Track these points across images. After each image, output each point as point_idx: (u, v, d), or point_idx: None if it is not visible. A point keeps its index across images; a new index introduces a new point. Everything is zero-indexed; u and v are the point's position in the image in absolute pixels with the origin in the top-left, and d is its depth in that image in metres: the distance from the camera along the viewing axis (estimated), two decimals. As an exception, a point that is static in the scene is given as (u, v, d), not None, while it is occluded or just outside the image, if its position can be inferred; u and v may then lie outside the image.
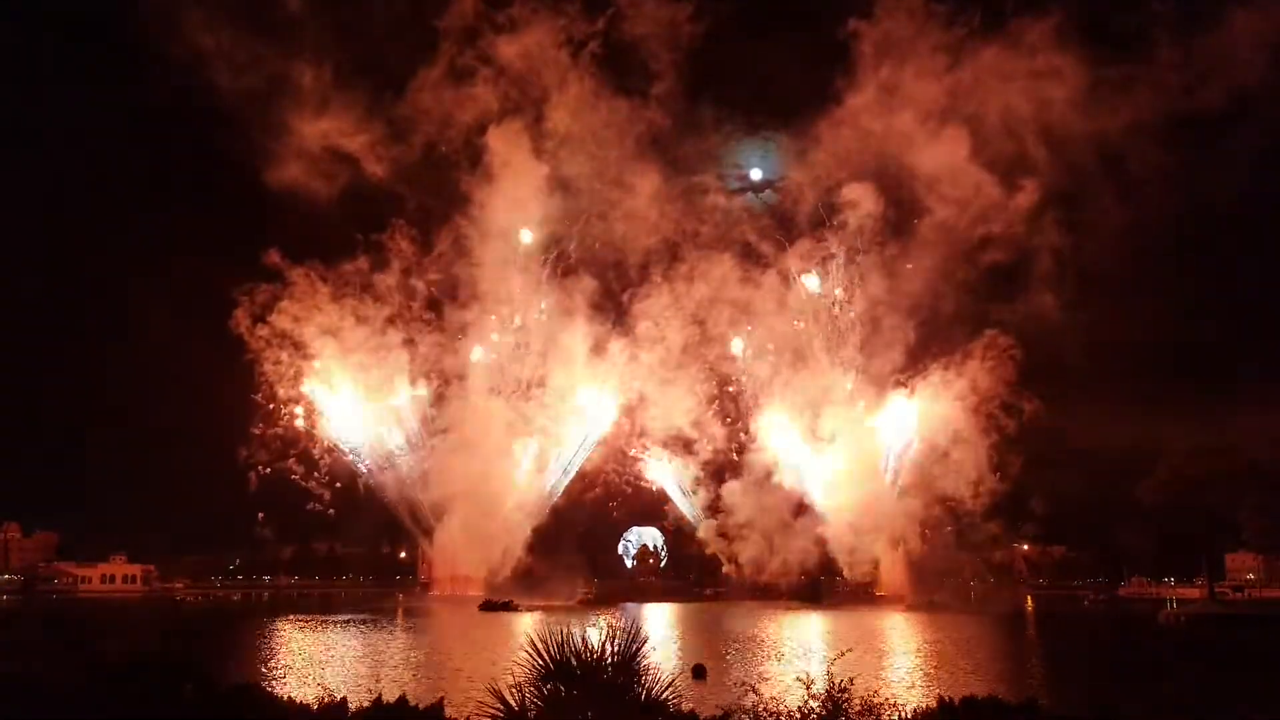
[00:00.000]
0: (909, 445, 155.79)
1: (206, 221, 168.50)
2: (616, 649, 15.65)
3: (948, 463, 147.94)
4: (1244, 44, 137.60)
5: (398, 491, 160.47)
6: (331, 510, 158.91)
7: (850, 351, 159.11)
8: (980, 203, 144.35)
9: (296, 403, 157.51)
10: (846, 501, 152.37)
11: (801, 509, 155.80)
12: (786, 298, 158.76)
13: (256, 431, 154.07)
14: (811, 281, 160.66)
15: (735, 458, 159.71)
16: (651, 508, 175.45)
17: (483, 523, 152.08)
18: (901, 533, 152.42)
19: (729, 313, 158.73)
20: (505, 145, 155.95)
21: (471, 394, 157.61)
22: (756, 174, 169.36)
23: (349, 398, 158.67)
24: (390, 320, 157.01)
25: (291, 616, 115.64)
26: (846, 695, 16.71)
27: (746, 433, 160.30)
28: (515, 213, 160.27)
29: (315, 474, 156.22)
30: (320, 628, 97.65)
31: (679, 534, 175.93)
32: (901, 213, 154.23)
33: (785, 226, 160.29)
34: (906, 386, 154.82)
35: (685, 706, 17.02)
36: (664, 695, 15.88)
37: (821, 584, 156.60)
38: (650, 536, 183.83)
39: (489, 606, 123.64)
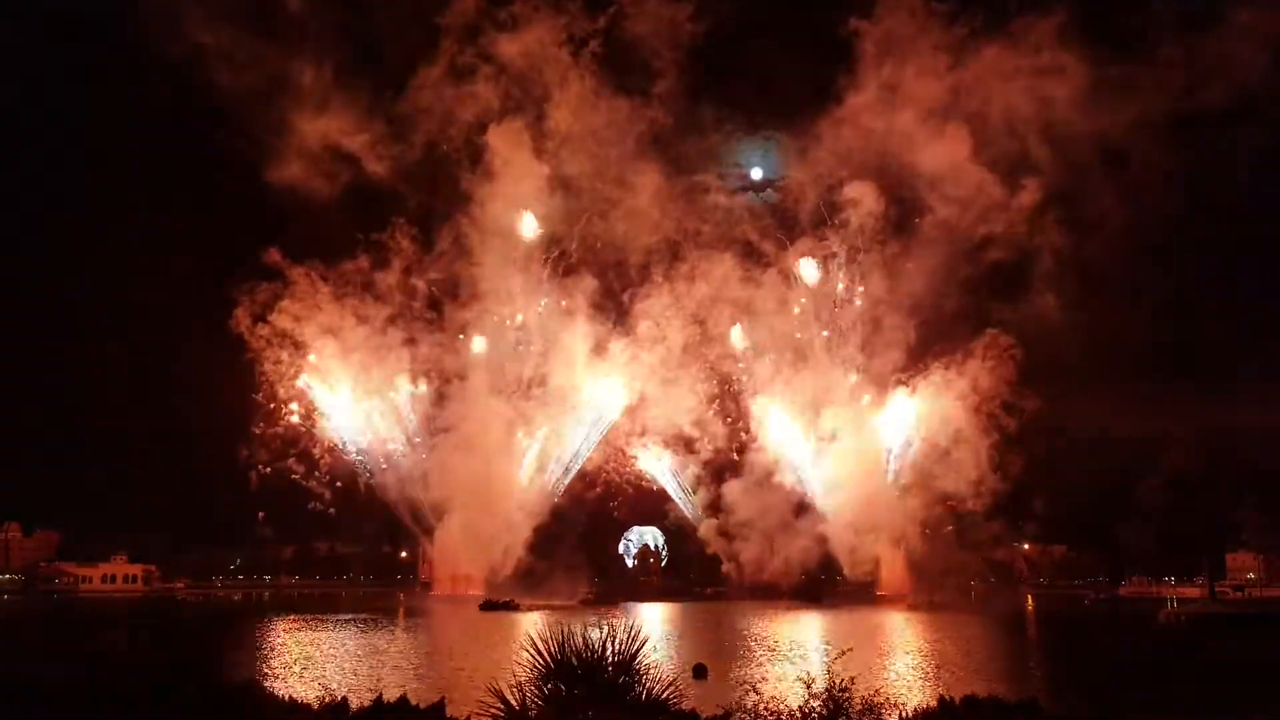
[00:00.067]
0: (910, 444, 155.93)
1: (207, 221, 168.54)
2: (617, 649, 15.68)
3: (948, 462, 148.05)
4: (1245, 43, 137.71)
5: (398, 491, 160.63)
6: (332, 510, 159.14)
7: (851, 350, 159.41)
8: (982, 202, 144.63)
9: (297, 401, 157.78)
10: (847, 501, 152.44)
11: (802, 508, 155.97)
12: (788, 297, 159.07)
13: (257, 431, 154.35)
14: (810, 269, 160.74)
15: (736, 457, 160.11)
16: (652, 507, 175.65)
17: (483, 522, 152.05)
18: (902, 532, 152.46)
19: (730, 312, 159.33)
20: (506, 144, 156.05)
21: (472, 393, 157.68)
22: (757, 173, 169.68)
23: (349, 397, 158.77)
24: (391, 319, 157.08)
25: (292, 616, 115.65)
26: (847, 695, 16.74)
27: (747, 432, 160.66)
28: (516, 212, 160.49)
29: (316, 473, 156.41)
30: (321, 627, 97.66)
31: (680, 533, 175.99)
32: (903, 212, 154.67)
33: (786, 226, 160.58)
34: (908, 385, 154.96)
35: (686, 706, 17.04)
36: (665, 695, 15.89)
37: (822, 583, 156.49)
38: (651, 536, 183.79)
39: (490, 606, 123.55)
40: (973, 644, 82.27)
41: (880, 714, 16.75)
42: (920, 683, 52.72)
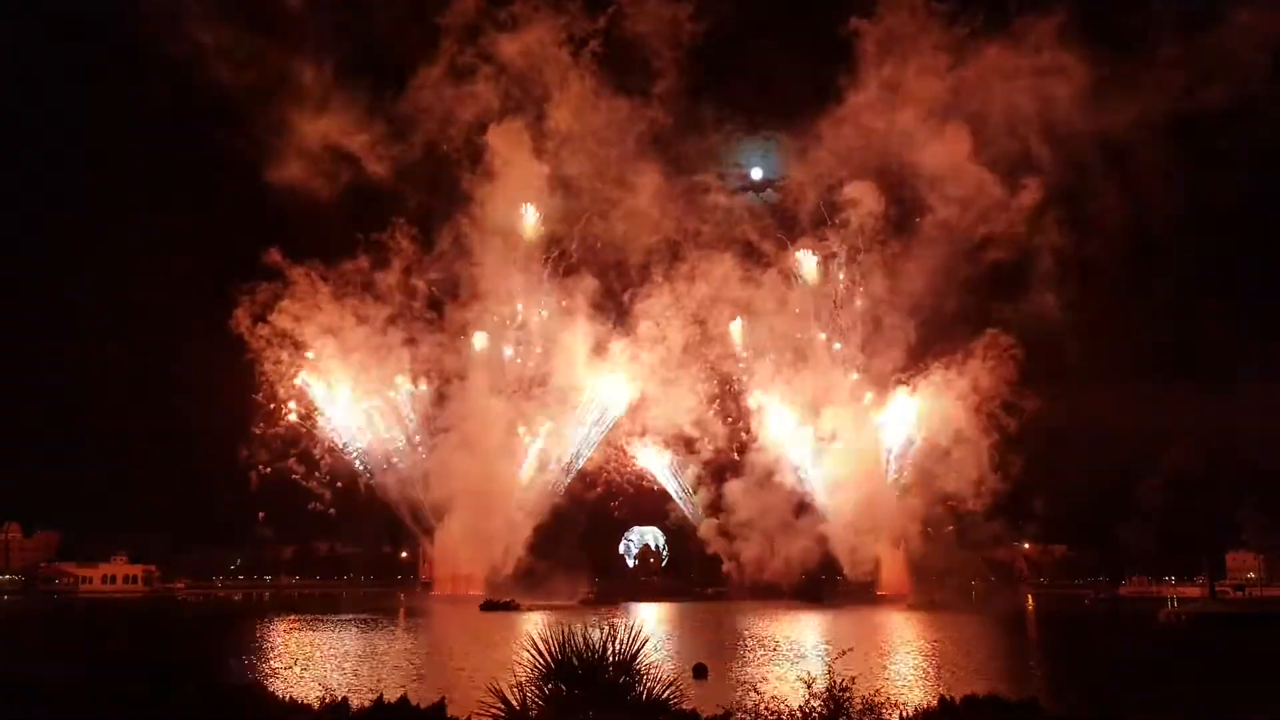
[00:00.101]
0: (910, 444, 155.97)
1: (207, 220, 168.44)
2: (618, 649, 15.68)
3: (949, 462, 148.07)
4: (1246, 43, 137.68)
5: (399, 491, 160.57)
6: (332, 510, 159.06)
7: (852, 350, 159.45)
8: (982, 201, 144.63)
9: (297, 402, 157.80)
10: (848, 500, 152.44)
11: (802, 508, 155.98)
12: (788, 297, 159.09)
13: (257, 431, 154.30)
14: (810, 267, 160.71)
15: (736, 457, 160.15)
16: (653, 507, 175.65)
17: (484, 522, 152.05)
18: (903, 532, 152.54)
19: (730, 312, 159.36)
20: (506, 144, 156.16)
21: (472, 393, 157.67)
22: (757, 173, 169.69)
23: (350, 397, 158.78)
24: (391, 319, 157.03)
25: (293, 616, 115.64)
26: (848, 694, 16.75)
27: (748, 432, 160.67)
28: (516, 211, 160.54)
29: (316, 474, 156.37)
30: (321, 628, 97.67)
31: (680, 533, 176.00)
32: (903, 211, 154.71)
33: (787, 225, 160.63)
34: (908, 385, 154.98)
35: (686, 706, 17.03)
36: (665, 695, 15.90)
37: (822, 583, 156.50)
38: (652, 536, 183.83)
39: (490, 606, 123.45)
40: (973, 644, 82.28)
41: (881, 713, 16.76)
42: (921, 682, 52.73)
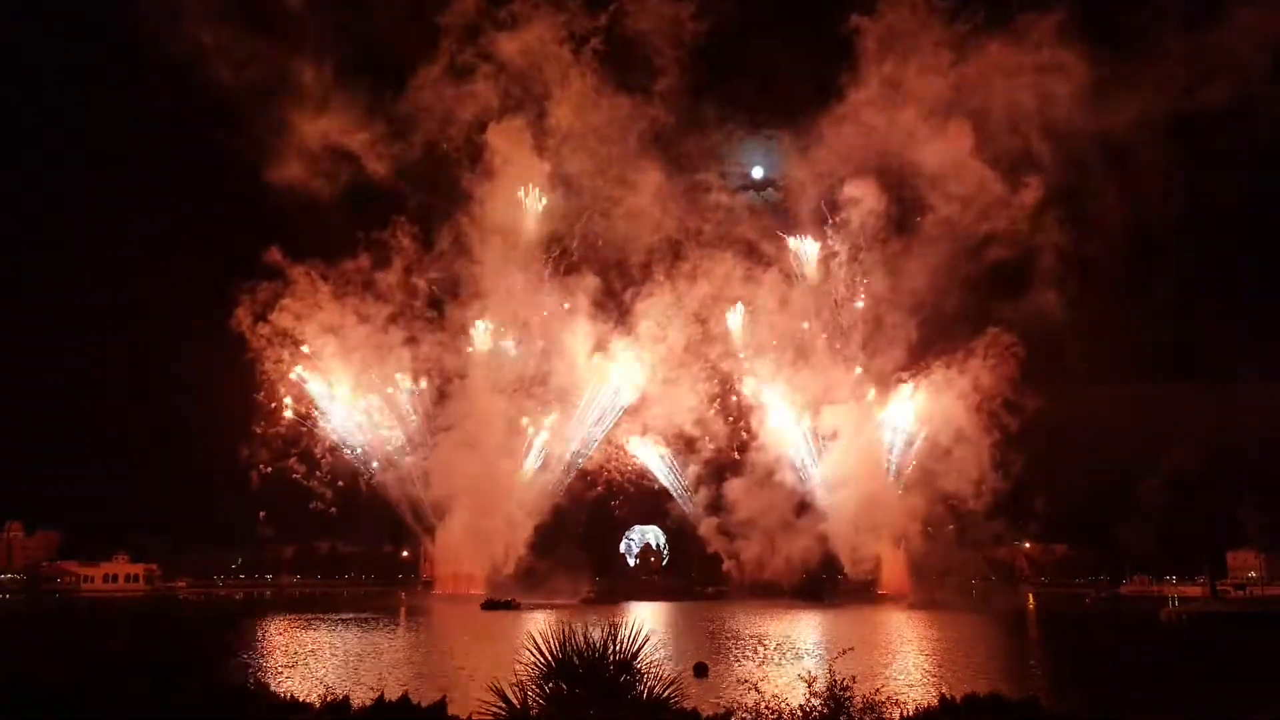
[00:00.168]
0: (911, 443, 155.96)
1: (207, 220, 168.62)
2: (618, 648, 15.68)
3: (950, 461, 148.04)
4: (1248, 41, 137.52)
5: (399, 490, 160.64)
6: (333, 509, 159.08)
7: (853, 349, 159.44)
8: (983, 200, 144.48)
9: (298, 401, 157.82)
10: (848, 499, 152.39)
11: (803, 507, 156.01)
12: (789, 296, 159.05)
13: (258, 430, 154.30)
14: (810, 265, 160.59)
15: (737, 456, 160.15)
16: (653, 506, 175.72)
17: (485, 521, 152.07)
18: (903, 531, 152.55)
19: (731, 306, 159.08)
20: (506, 142, 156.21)
21: (473, 392, 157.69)
22: (759, 172, 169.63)
23: (350, 396, 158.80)
24: (392, 318, 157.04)
25: (294, 615, 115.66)
26: (848, 693, 16.76)
27: (748, 431, 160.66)
28: (517, 210, 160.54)
29: (317, 473, 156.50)
30: (322, 627, 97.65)
31: (681, 532, 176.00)
32: (904, 209, 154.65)
33: (788, 224, 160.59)
34: (909, 384, 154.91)
35: (687, 705, 17.05)
36: (666, 694, 15.90)
37: (823, 582, 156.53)
38: (652, 535, 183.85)
39: (491, 605, 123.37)
40: (973, 643, 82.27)
41: (881, 712, 16.77)
42: (921, 681, 52.68)
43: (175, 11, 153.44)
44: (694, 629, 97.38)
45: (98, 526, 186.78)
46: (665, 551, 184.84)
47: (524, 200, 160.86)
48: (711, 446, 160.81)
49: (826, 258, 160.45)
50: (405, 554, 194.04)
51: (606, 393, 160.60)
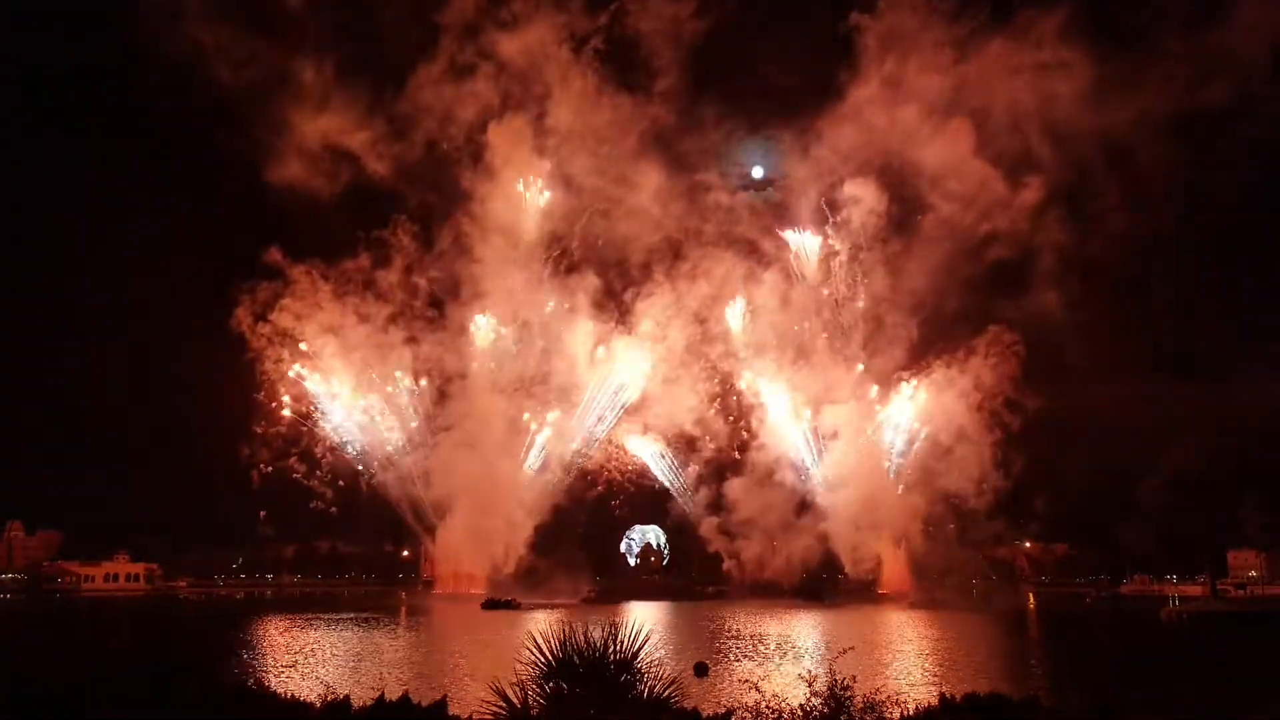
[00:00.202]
0: (912, 442, 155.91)
1: (207, 220, 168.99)
2: (619, 647, 15.66)
3: (950, 460, 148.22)
4: (1249, 41, 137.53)
5: (400, 489, 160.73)
6: (334, 508, 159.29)
7: (853, 348, 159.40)
8: (984, 199, 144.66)
9: (298, 401, 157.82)
10: (849, 499, 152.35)
11: (804, 506, 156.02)
12: (789, 295, 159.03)
13: (258, 430, 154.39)
14: (811, 264, 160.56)
15: (737, 455, 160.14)
16: (654, 505, 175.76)
17: (485, 521, 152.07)
18: (904, 530, 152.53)
19: (731, 302, 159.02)
20: (507, 142, 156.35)
21: (473, 391, 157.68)
22: (759, 171, 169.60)
23: (351, 395, 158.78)
24: (392, 318, 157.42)
25: (294, 615, 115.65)
26: (849, 692, 16.74)
27: (749, 431, 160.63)
28: (517, 210, 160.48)
29: (317, 472, 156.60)
30: (323, 626, 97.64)
31: (681, 532, 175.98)
32: (905, 209, 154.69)
33: (788, 224, 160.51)
34: (910, 383, 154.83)
35: (688, 704, 17.04)
36: (666, 693, 15.88)
37: (823, 582, 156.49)
38: (653, 534, 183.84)
39: (491, 605, 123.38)
40: (974, 642, 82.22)
41: (882, 712, 16.76)
42: (922, 681, 52.66)
43: (175, 11, 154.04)
44: (694, 628, 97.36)
45: (98, 526, 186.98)
46: (665, 551, 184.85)
47: (524, 200, 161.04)
48: (712, 446, 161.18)
49: (827, 257, 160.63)
50: (406, 554, 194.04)
51: (607, 392, 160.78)
